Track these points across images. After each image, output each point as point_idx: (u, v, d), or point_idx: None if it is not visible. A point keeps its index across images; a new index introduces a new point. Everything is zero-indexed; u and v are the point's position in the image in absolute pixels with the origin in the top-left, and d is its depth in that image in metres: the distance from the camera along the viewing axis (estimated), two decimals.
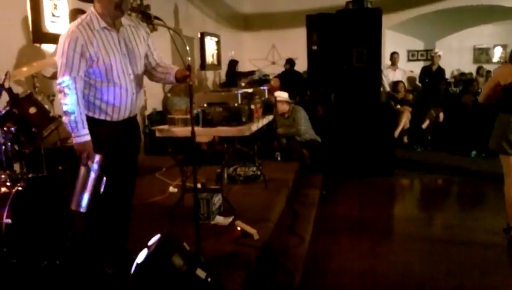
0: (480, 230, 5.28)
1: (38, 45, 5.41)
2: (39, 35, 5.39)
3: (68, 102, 2.99)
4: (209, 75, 11.27)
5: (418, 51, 13.70)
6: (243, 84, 9.53)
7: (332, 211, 6.04)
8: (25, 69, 4.27)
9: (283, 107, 7.16)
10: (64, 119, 3.04)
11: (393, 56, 10.70)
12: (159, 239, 2.99)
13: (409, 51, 13.66)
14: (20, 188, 3.21)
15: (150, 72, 3.48)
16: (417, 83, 11.42)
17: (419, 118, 9.47)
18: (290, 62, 10.49)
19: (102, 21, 3.08)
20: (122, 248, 3.47)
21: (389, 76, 10.47)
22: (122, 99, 3.18)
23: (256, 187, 5.71)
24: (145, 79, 3.51)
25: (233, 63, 11.30)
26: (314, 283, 4.04)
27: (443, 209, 6.36)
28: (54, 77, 4.46)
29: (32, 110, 3.75)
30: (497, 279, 4.08)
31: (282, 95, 7.17)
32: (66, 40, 3.00)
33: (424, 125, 9.47)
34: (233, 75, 11.24)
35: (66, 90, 2.99)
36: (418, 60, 13.49)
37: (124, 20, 3.20)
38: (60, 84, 3.01)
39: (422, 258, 4.58)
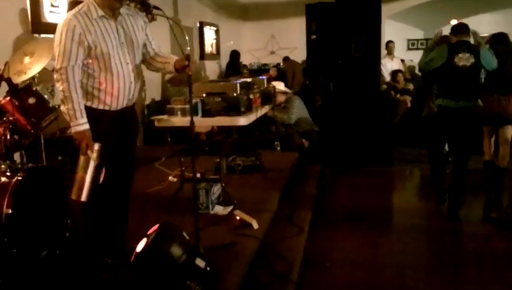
0: (480, 222, 5.30)
1: (37, 35, 5.41)
2: (38, 25, 5.39)
3: (66, 91, 2.98)
4: (208, 65, 11.25)
5: (417, 40, 13.64)
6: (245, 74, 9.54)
7: (331, 201, 6.06)
8: (27, 60, 4.23)
9: (278, 98, 7.13)
10: (63, 108, 3.04)
11: (389, 45, 10.63)
12: (158, 229, 3.01)
13: (408, 40, 13.61)
14: (20, 178, 3.22)
15: (148, 61, 3.47)
16: (416, 72, 11.39)
17: (419, 107, 9.45)
18: None
19: (100, 10, 3.06)
20: (122, 238, 3.48)
21: (387, 66, 10.45)
22: (120, 89, 3.17)
23: (255, 177, 5.71)
24: (144, 69, 3.51)
25: (235, 54, 11.31)
26: (313, 274, 4.05)
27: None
28: None
29: (31, 100, 3.75)
30: (495, 272, 4.09)
31: (277, 86, 7.14)
32: (64, 29, 2.98)
33: (424, 114, 9.44)
34: (235, 66, 11.26)
35: (64, 79, 2.98)
36: (418, 48, 13.42)
37: (122, 9, 3.18)
38: (57, 72, 3.00)
39: (421, 249, 4.59)
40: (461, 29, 5.47)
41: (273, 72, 10.41)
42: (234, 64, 11.35)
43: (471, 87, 5.20)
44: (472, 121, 5.39)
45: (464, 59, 5.15)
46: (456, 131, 5.34)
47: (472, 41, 5.53)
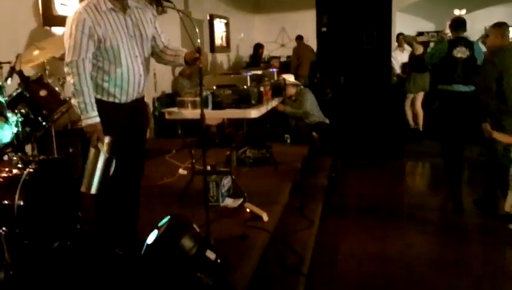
0: (490, 215, 5.26)
1: (48, 28, 5.43)
2: (49, 18, 5.40)
3: (77, 84, 3.00)
4: (219, 57, 11.24)
5: (428, 32, 13.55)
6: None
7: (341, 194, 6.05)
8: (36, 52, 4.27)
9: (289, 90, 7.10)
10: (73, 101, 3.05)
11: (400, 38, 10.61)
12: (169, 221, 3.02)
13: (419, 32, 13.53)
14: (31, 170, 3.23)
15: (157, 54, 3.47)
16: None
17: (430, 100, 9.39)
18: None
19: (109, 2, 3.07)
20: (132, 230, 3.50)
21: (398, 58, 10.41)
22: (130, 82, 3.18)
23: (265, 170, 5.71)
24: (154, 61, 3.51)
25: (257, 47, 11.40)
26: (323, 267, 4.05)
27: (454, 192, 6.31)
28: (63, 57, 4.48)
29: (43, 92, 3.77)
30: (503, 266, 4.07)
31: (287, 78, 7.11)
32: (74, 22, 2.99)
33: (435, 107, 9.39)
34: (255, 58, 11.35)
35: (75, 72, 2.99)
36: (428, 41, 13.35)
37: (131, 2, 3.19)
38: (68, 66, 3.02)
39: (430, 243, 4.58)
40: (460, 25, 6.36)
41: (276, 63, 10.52)
42: (255, 57, 11.44)
43: (468, 74, 6.14)
44: (471, 106, 6.07)
45: (461, 52, 6.16)
46: (459, 115, 6.19)
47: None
